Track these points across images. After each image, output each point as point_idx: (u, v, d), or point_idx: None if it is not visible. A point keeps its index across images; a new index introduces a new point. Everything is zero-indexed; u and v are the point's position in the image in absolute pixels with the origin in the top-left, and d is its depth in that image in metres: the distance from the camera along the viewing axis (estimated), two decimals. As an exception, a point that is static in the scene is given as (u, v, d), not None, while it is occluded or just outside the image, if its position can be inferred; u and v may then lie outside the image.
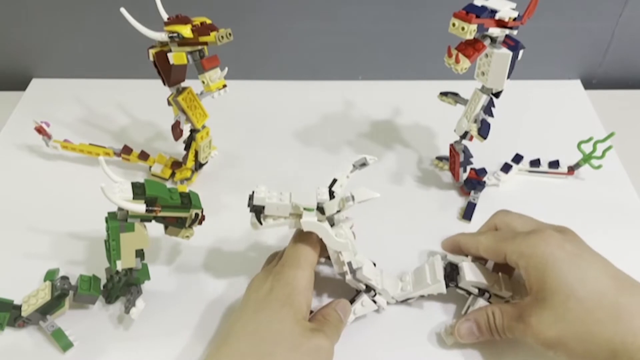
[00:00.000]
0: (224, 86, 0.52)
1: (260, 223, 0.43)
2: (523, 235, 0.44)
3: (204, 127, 0.58)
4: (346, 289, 0.49)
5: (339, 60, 0.75)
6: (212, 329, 0.48)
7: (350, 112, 0.72)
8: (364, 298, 0.48)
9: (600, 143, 0.58)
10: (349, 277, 0.46)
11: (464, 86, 0.55)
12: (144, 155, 0.61)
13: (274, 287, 0.43)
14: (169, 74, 0.52)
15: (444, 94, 0.57)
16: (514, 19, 0.46)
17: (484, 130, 0.52)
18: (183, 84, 0.55)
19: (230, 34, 0.48)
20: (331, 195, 0.43)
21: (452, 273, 0.48)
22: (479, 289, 0.47)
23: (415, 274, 0.50)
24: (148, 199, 0.41)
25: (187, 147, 0.58)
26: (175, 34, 0.48)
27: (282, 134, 0.68)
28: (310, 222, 0.42)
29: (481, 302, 0.47)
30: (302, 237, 0.45)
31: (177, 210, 0.43)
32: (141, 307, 0.46)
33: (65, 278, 0.46)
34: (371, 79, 0.77)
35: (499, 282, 0.47)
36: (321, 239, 0.44)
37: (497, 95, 0.52)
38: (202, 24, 0.49)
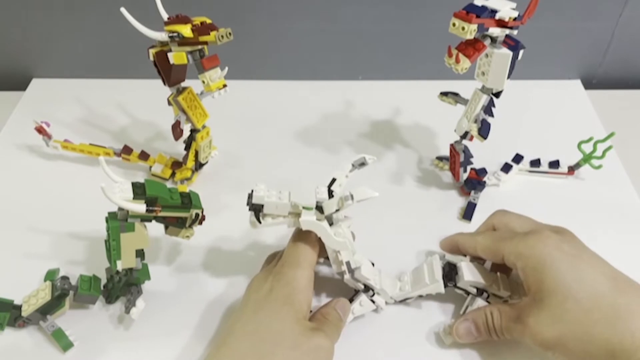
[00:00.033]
0: (224, 86, 0.52)
1: (259, 222, 0.43)
2: (521, 236, 0.44)
3: (204, 127, 0.58)
4: (345, 288, 0.49)
5: (339, 60, 0.75)
6: (213, 329, 0.48)
7: (350, 112, 0.72)
8: (363, 298, 0.48)
9: (601, 143, 0.58)
10: (347, 276, 0.46)
11: (464, 86, 0.55)
12: (144, 155, 0.61)
13: (274, 287, 0.43)
14: (169, 74, 0.52)
15: (444, 94, 0.57)
16: (514, 19, 0.46)
17: (484, 130, 0.52)
18: (183, 84, 0.55)
19: (230, 34, 0.48)
20: (330, 194, 0.44)
21: (450, 273, 0.48)
22: (478, 289, 0.47)
23: (413, 273, 0.50)
24: (148, 199, 0.41)
25: (187, 147, 0.58)
26: (175, 34, 0.48)
27: (282, 134, 0.68)
28: (309, 221, 0.42)
29: (479, 302, 0.47)
30: (301, 236, 0.45)
31: (177, 210, 0.43)
32: (141, 307, 0.46)
33: (65, 278, 0.46)
34: (371, 79, 0.77)
35: (497, 281, 0.47)
36: (320, 238, 0.44)
37: (497, 95, 0.52)
38: (202, 23, 0.49)
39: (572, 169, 0.61)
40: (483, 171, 0.61)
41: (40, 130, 0.60)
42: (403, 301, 0.50)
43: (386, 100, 0.73)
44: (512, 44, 0.48)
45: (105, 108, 0.72)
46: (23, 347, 0.47)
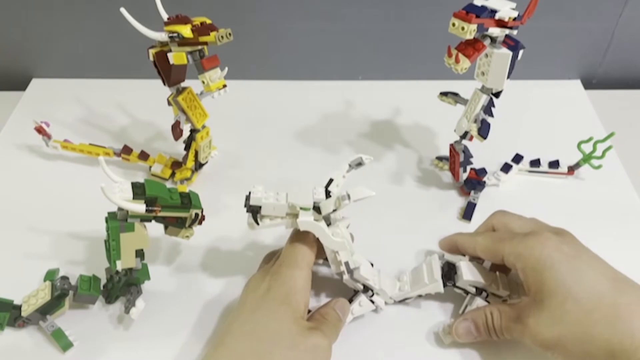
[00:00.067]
0: (224, 86, 0.52)
1: (257, 223, 0.44)
2: (520, 237, 0.44)
3: (204, 127, 0.58)
4: (344, 289, 0.49)
5: (339, 60, 0.75)
6: (213, 328, 0.48)
7: (350, 112, 0.72)
8: (362, 298, 0.48)
9: (600, 143, 0.58)
10: (346, 277, 0.46)
11: (464, 86, 0.55)
12: (144, 155, 0.61)
13: (271, 287, 0.43)
14: (169, 74, 0.52)
15: (444, 94, 0.57)
16: (514, 19, 0.46)
17: (484, 130, 0.52)
18: (183, 84, 0.55)
19: (230, 34, 0.48)
20: (327, 194, 0.44)
21: (449, 272, 0.48)
22: (477, 288, 0.47)
23: (412, 273, 0.50)
24: (148, 199, 0.41)
25: (187, 147, 0.58)
26: (175, 34, 0.48)
27: (282, 134, 0.68)
28: (306, 221, 0.42)
29: (479, 302, 0.47)
30: (299, 236, 0.45)
31: (177, 210, 0.44)
32: (141, 307, 0.46)
33: (65, 278, 0.46)
34: (371, 79, 0.77)
35: (496, 281, 0.47)
36: (318, 239, 0.44)
37: (497, 95, 0.51)
38: (202, 23, 0.49)
39: (572, 169, 0.61)
40: (483, 171, 0.61)
41: (40, 130, 0.60)
42: (402, 301, 0.50)
43: (386, 100, 0.73)
44: (512, 44, 0.48)
45: (105, 108, 0.72)
46: (23, 347, 0.47)
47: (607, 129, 0.68)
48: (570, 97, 0.74)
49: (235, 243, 0.55)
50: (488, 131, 0.53)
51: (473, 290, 0.47)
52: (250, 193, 0.43)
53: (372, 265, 0.49)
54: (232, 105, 0.65)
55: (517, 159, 0.63)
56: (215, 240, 0.55)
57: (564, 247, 0.42)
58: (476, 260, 0.48)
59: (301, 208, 0.42)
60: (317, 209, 0.43)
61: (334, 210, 0.42)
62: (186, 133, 0.57)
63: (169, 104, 0.55)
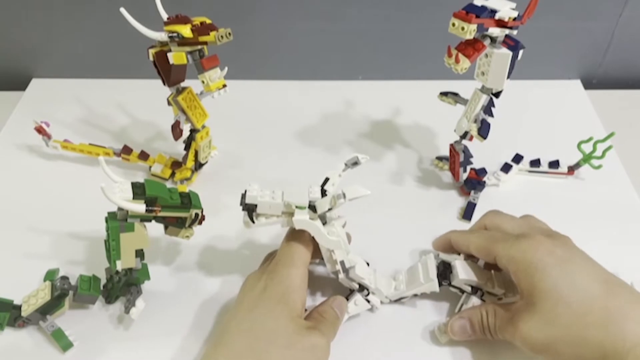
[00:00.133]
0: (224, 86, 0.52)
1: (253, 221, 0.44)
2: (513, 239, 0.43)
3: (203, 127, 0.58)
4: (340, 288, 0.49)
5: (339, 60, 0.75)
6: (213, 328, 0.48)
7: (350, 112, 0.72)
8: (358, 297, 0.48)
9: (600, 143, 0.58)
10: (341, 276, 0.46)
11: (464, 86, 0.55)
12: (144, 155, 0.61)
13: (267, 286, 0.43)
14: (169, 74, 0.52)
15: (444, 94, 0.57)
16: (514, 19, 0.46)
17: (484, 130, 0.52)
18: (183, 84, 0.55)
19: (230, 34, 0.48)
20: (323, 193, 0.44)
21: (445, 272, 0.48)
22: (472, 287, 0.47)
23: (408, 273, 0.50)
24: (148, 199, 0.41)
25: (187, 147, 0.58)
26: (175, 34, 0.48)
27: (282, 134, 0.68)
28: (302, 220, 0.42)
29: (474, 300, 0.47)
30: (295, 235, 0.45)
31: (177, 210, 0.43)
32: (141, 307, 0.46)
33: (65, 278, 0.46)
34: (371, 79, 0.77)
35: (491, 279, 0.47)
36: (314, 238, 0.44)
37: (497, 95, 0.51)
38: (202, 23, 0.49)
39: (572, 169, 0.61)
40: (483, 171, 0.61)
41: (40, 130, 0.60)
42: (398, 300, 0.50)
43: (386, 100, 0.73)
44: (512, 44, 0.48)
45: (105, 108, 0.72)
46: (23, 347, 0.47)
47: (607, 129, 0.68)
48: (570, 97, 0.74)
49: (236, 243, 0.55)
50: (488, 131, 0.53)
51: (469, 289, 0.47)
52: (246, 191, 0.43)
53: (367, 264, 0.49)
54: (232, 105, 0.65)
55: (517, 159, 0.63)
56: (216, 240, 0.55)
57: (556, 250, 0.42)
58: (471, 259, 0.48)
59: (297, 207, 0.42)
60: (312, 207, 0.43)
61: (330, 209, 0.43)
62: (186, 133, 0.57)
63: (169, 104, 0.55)
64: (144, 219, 0.43)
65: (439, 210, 0.59)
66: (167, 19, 0.50)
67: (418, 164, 0.65)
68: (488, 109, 0.52)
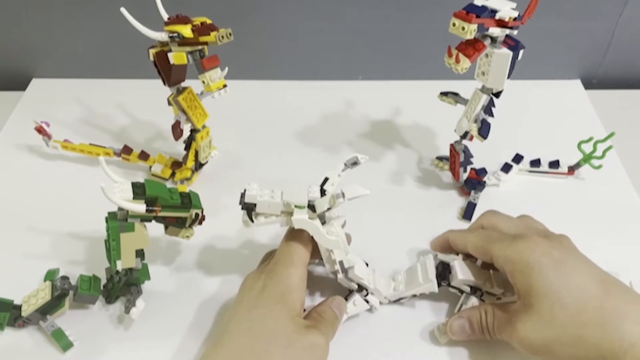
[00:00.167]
0: (224, 86, 0.52)
1: (252, 221, 0.44)
2: (510, 240, 0.43)
3: (204, 127, 0.58)
4: (339, 288, 0.49)
5: (339, 60, 0.75)
6: (212, 328, 0.48)
7: (350, 112, 0.72)
8: (356, 297, 0.48)
9: (601, 143, 0.58)
10: (340, 276, 0.46)
11: (464, 86, 0.55)
12: (144, 155, 0.61)
13: (266, 285, 0.43)
14: (169, 74, 0.52)
15: (444, 94, 0.57)
16: (514, 19, 0.46)
17: (484, 130, 0.52)
18: (183, 84, 0.55)
19: (230, 34, 0.48)
20: (322, 193, 0.44)
21: (444, 272, 0.48)
22: (471, 287, 0.47)
23: (407, 273, 0.50)
24: (148, 199, 0.41)
25: (187, 147, 0.58)
26: (175, 34, 0.48)
27: (282, 134, 0.68)
28: (301, 219, 0.42)
29: (473, 300, 0.47)
30: (294, 235, 0.45)
31: (177, 210, 0.43)
32: (141, 307, 0.46)
33: (65, 278, 0.46)
34: (371, 79, 0.77)
35: (490, 279, 0.47)
36: (313, 237, 0.44)
37: (497, 95, 0.51)
38: (202, 23, 0.49)
39: (572, 169, 0.61)
40: (483, 171, 0.61)
41: (40, 130, 0.60)
42: (397, 301, 0.50)
43: (386, 100, 0.73)
44: (512, 44, 0.48)
45: (105, 108, 0.72)
46: (23, 347, 0.47)
47: (607, 129, 0.68)
48: (570, 97, 0.74)
49: (236, 243, 0.55)
50: (488, 131, 0.53)
51: (467, 289, 0.47)
52: (245, 190, 0.43)
53: (367, 265, 0.49)
54: (232, 105, 0.65)
55: (517, 159, 0.63)
56: (216, 240, 0.55)
57: (553, 251, 0.41)
58: (470, 259, 0.48)
59: (296, 206, 0.42)
60: (311, 207, 0.43)
61: (329, 209, 0.43)
62: (186, 133, 0.57)
63: (169, 104, 0.55)
64: (144, 219, 0.43)
65: (439, 210, 0.59)
66: (168, 19, 0.50)
67: (418, 164, 0.65)
68: (488, 109, 0.52)
